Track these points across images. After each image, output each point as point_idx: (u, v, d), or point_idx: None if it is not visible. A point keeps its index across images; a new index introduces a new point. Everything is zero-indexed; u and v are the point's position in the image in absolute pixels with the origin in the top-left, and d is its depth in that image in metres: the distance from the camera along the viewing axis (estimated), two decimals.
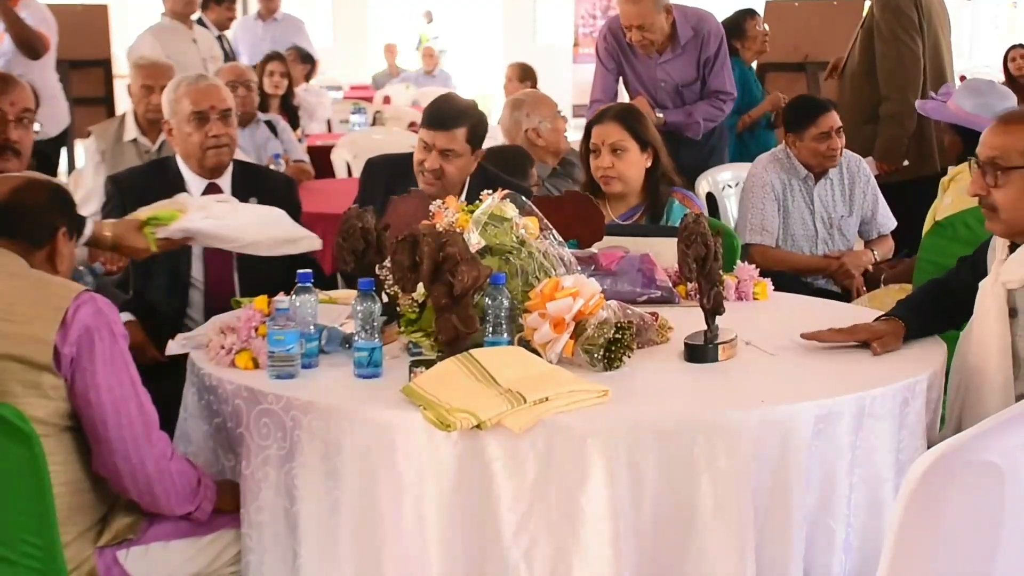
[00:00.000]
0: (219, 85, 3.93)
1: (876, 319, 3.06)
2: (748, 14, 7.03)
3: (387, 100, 11.47)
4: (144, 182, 3.86)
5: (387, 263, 2.87)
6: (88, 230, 3.21)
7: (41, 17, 7.06)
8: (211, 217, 3.32)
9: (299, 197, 4.10)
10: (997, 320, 2.91)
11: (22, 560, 2.38)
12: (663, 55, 5.69)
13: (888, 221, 5.03)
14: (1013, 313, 2.91)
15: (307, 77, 9.28)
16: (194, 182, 3.86)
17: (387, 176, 4.14)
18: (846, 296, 4.70)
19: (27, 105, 3.49)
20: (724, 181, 5.54)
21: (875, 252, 4.93)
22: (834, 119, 4.84)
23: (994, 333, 2.92)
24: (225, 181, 3.90)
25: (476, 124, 4.01)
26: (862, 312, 3.43)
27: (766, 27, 6.99)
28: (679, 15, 5.65)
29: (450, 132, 3.93)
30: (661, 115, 5.63)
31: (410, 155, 4.11)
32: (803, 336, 2.96)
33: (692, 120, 5.71)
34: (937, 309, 3.08)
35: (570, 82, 16.35)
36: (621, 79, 5.93)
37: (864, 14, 6.02)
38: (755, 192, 4.87)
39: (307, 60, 9.27)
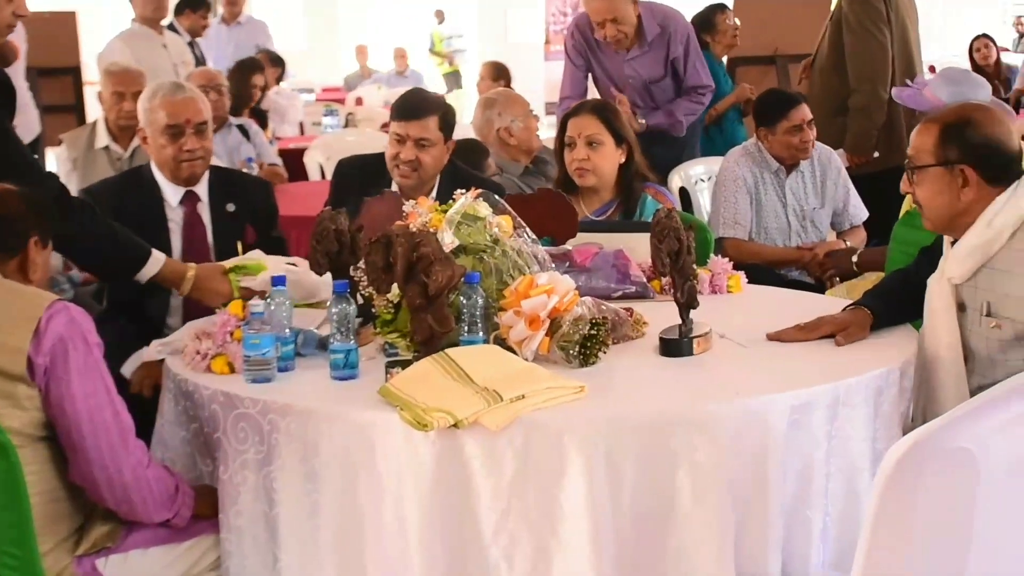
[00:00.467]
0: (195, 97, 3.88)
1: (844, 308, 3.08)
2: (718, 8, 7.07)
3: (359, 101, 11.45)
4: (119, 193, 3.84)
5: (361, 264, 2.88)
6: (155, 266, 3.30)
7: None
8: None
9: (276, 200, 4.09)
10: (945, 315, 2.95)
11: (0, 571, 2.37)
12: (630, 52, 5.71)
13: (860, 212, 5.06)
14: (962, 307, 2.94)
15: (278, 80, 9.26)
16: (169, 189, 3.84)
17: (359, 177, 4.15)
18: (820, 287, 4.72)
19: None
20: (696, 175, 5.56)
21: (847, 243, 4.95)
22: (805, 112, 4.87)
23: (943, 328, 2.95)
24: (202, 188, 3.88)
25: (446, 113, 4.06)
26: (836, 303, 3.44)
27: (736, 21, 7.02)
28: (645, 12, 5.68)
29: (422, 121, 3.97)
30: (643, 120, 5.66)
31: (382, 155, 4.12)
32: (768, 337, 2.98)
33: (674, 120, 5.76)
34: (904, 298, 3.11)
35: (542, 80, 16.36)
36: (591, 76, 5.94)
37: (833, 7, 6.03)
38: (727, 186, 4.89)
39: (277, 63, 9.26)
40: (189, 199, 3.85)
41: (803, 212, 4.94)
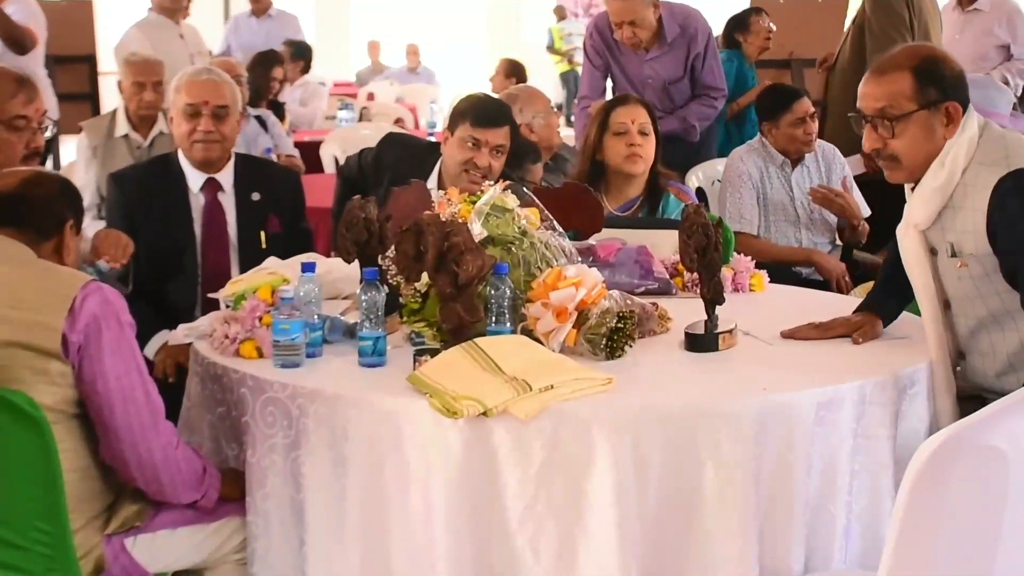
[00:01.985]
0: (219, 81, 3.88)
1: (854, 311, 3.09)
2: (754, 10, 7.12)
3: (371, 97, 11.48)
4: (145, 179, 3.86)
5: (390, 253, 2.89)
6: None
7: (29, 12, 7.03)
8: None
9: (303, 191, 4.09)
10: (918, 263, 2.91)
11: (32, 546, 2.38)
12: (650, 52, 5.72)
13: (863, 208, 5.09)
14: (933, 252, 2.91)
15: (303, 71, 9.27)
16: (194, 176, 3.86)
17: (400, 154, 4.14)
18: (827, 285, 4.74)
19: (47, 109, 3.49)
20: (714, 176, 5.56)
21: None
22: (807, 105, 4.95)
23: (918, 277, 2.92)
24: (225, 176, 3.89)
25: (514, 123, 4.11)
26: (855, 303, 3.45)
27: (772, 25, 7.04)
28: (665, 12, 5.68)
29: (503, 129, 4.00)
30: None
31: (430, 145, 4.12)
32: (783, 335, 2.99)
33: (688, 125, 5.77)
34: (901, 283, 3.04)
35: (554, 79, 16.38)
36: (609, 77, 5.96)
37: (856, 11, 6.04)
38: (732, 182, 4.96)
39: (301, 55, 9.27)
40: (210, 186, 3.86)
41: (810, 205, 4.98)
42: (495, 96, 4.36)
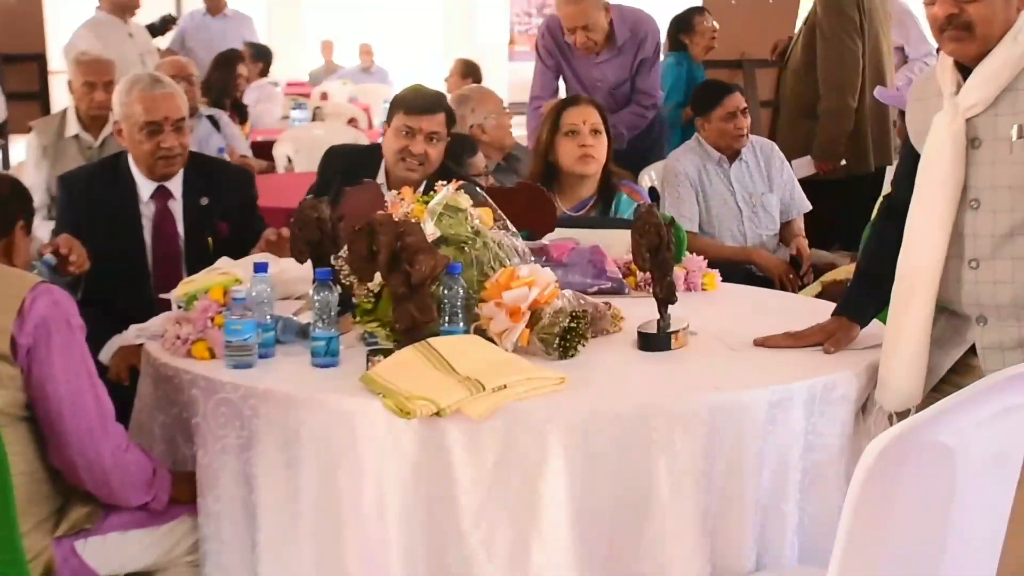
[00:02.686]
0: (174, 93, 3.85)
1: (832, 314, 3.01)
2: (697, 10, 7.14)
3: (324, 96, 11.43)
4: (94, 184, 3.82)
5: (343, 253, 2.89)
6: None
7: None
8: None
9: (255, 191, 4.07)
10: (952, 155, 2.75)
11: None
12: (600, 55, 5.74)
13: (804, 203, 5.18)
14: (974, 143, 2.75)
15: (261, 73, 9.23)
16: (144, 184, 3.83)
17: (344, 166, 4.15)
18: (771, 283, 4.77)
19: None
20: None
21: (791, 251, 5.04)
22: (739, 100, 5.04)
23: (943, 170, 2.75)
24: (175, 183, 3.86)
25: (449, 111, 4.17)
26: (807, 301, 3.49)
27: (715, 23, 7.08)
28: (616, 15, 5.69)
29: (436, 116, 4.06)
30: None
31: (370, 147, 4.13)
32: (755, 343, 2.92)
33: (616, 132, 5.75)
34: (877, 284, 2.94)
35: (506, 80, 16.37)
36: (561, 78, 5.97)
37: (808, 12, 6.08)
38: (670, 182, 5.04)
39: (261, 57, 9.24)
40: (160, 194, 3.83)
41: (752, 198, 5.05)
42: (425, 86, 4.39)
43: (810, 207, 5.17)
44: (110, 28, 7.19)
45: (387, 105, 4.45)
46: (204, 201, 3.86)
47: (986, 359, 2.79)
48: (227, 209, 3.90)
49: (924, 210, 2.79)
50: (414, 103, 4.09)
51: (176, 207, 3.85)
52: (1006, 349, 2.77)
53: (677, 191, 4.99)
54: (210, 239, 3.80)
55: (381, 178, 4.12)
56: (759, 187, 5.08)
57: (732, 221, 5.04)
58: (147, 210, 3.83)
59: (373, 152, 4.24)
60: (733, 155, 5.07)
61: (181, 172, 3.87)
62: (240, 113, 7.75)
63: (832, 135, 5.82)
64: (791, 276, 4.85)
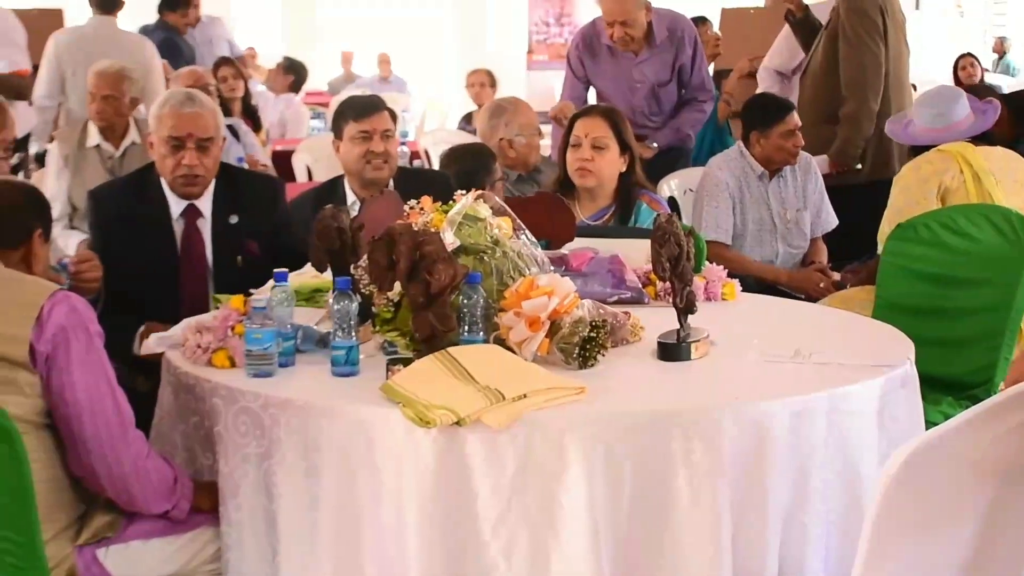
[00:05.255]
0: (204, 112, 3.76)
1: None
2: (699, 20, 7.18)
3: None
4: (124, 200, 3.79)
5: (362, 262, 2.89)
6: None
7: (8, 38, 6.97)
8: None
9: (285, 202, 4.02)
10: None
11: (1, 557, 2.37)
12: (639, 55, 5.77)
13: (831, 219, 5.14)
14: None
15: (293, 87, 9.18)
16: (174, 201, 3.78)
17: (313, 205, 3.97)
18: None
19: (14, 135, 3.44)
20: (687, 185, 5.58)
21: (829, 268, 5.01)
22: (796, 118, 4.98)
23: None
24: (204, 201, 3.80)
25: (389, 108, 4.31)
26: (828, 312, 3.48)
27: (718, 32, 7.11)
28: (654, 15, 5.75)
29: (383, 113, 4.20)
30: (655, 144, 5.74)
31: (328, 183, 4.34)
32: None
33: (682, 135, 5.87)
34: None
35: (524, 89, 16.37)
36: (592, 88, 6.00)
37: (828, 18, 6.06)
38: (709, 191, 4.96)
39: (292, 70, 9.19)
40: (190, 213, 3.79)
41: (787, 215, 5.00)
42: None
43: (836, 223, 5.12)
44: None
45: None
46: (233, 220, 3.81)
47: None
48: (256, 227, 3.83)
49: None
50: (361, 108, 4.22)
51: (205, 226, 3.80)
52: None
53: (716, 201, 4.91)
54: (239, 259, 3.77)
55: (352, 198, 4.17)
56: (795, 204, 5.02)
57: (765, 237, 4.99)
58: (178, 227, 3.79)
59: (335, 185, 4.31)
60: (775, 171, 5.00)
61: (211, 189, 3.81)
62: (254, 121, 7.75)
63: (852, 137, 5.78)
64: (821, 285, 4.83)
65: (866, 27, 5.75)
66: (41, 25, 8.79)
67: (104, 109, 5.52)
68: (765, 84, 6.57)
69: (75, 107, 6.51)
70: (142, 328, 3.48)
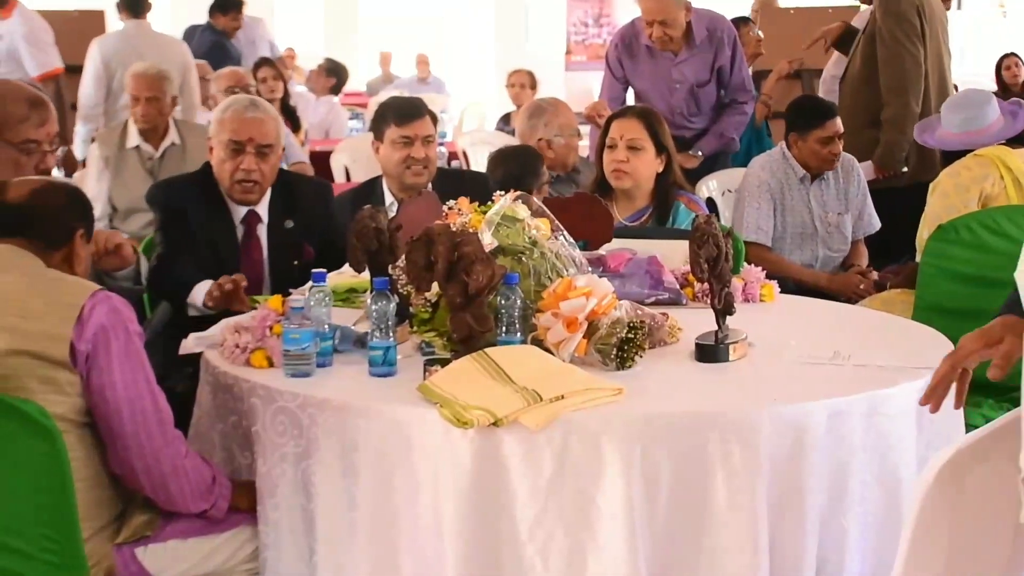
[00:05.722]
0: (265, 118, 3.77)
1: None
2: (742, 20, 7.13)
3: None
4: (191, 195, 3.81)
5: (400, 263, 2.90)
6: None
7: (32, 27, 7.04)
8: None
9: (333, 206, 4.02)
10: None
11: (40, 555, 2.38)
12: (679, 55, 5.76)
13: (874, 222, 5.10)
14: None
15: (333, 90, 9.20)
16: (235, 208, 3.80)
17: (350, 207, 3.94)
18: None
19: (57, 129, 3.47)
20: (725, 186, 5.57)
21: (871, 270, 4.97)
22: (838, 125, 4.93)
23: None
24: (263, 207, 3.82)
25: (432, 112, 4.30)
26: (868, 314, 3.45)
27: (760, 33, 7.06)
28: (693, 15, 5.74)
29: (425, 119, 4.19)
30: (699, 152, 5.73)
31: (367, 183, 4.33)
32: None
33: (727, 139, 5.86)
34: None
35: (562, 90, 16.35)
36: (631, 88, 5.99)
37: (866, 20, 6.03)
38: (751, 191, 4.93)
39: (334, 73, 9.21)
40: (250, 218, 3.81)
41: (828, 219, 4.97)
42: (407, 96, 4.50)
43: (879, 226, 5.09)
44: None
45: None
46: (289, 224, 3.83)
47: None
48: (310, 230, 3.86)
49: None
50: (404, 113, 4.20)
51: (263, 232, 3.82)
52: None
53: (758, 202, 4.89)
54: (296, 263, 3.78)
55: (389, 199, 4.18)
56: (836, 207, 4.99)
57: (806, 240, 4.97)
58: (240, 231, 3.82)
59: (373, 185, 4.30)
60: (816, 174, 4.97)
61: (268, 195, 3.82)
62: (293, 122, 7.78)
63: (895, 141, 5.74)
64: (861, 287, 4.79)
65: (904, 30, 5.71)
66: (83, 26, 8.87)
67: (148, 111, 5.56)
68: (824, 89, 6.56)
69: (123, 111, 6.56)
70: (210, 285, 3.53)
